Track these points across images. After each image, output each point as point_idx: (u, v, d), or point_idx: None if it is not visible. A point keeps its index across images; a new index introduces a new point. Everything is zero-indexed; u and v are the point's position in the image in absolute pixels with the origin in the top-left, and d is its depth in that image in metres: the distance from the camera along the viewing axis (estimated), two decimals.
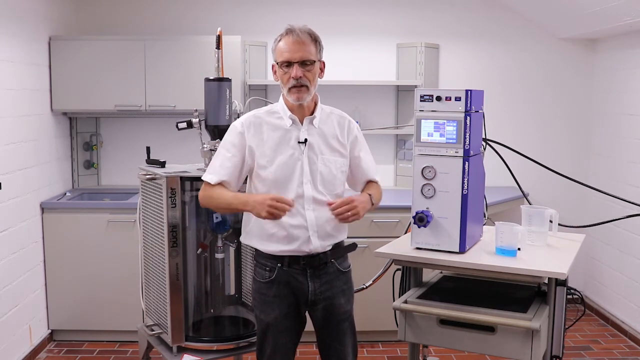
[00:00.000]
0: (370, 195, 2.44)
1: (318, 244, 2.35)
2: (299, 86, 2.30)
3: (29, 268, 3.84)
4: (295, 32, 2.30)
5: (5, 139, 3.55)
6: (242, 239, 2.49)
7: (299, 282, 2.37)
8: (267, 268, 2.39)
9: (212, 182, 2.37)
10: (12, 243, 3.62)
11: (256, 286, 2.44)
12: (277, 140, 2.35)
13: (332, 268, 2.42)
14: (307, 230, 2.33)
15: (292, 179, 2.33)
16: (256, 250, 2.44)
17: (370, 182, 2.54)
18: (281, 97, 2.42)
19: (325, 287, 2.40)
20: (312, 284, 2.38)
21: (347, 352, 2.47)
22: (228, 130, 2.43)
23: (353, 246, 2.52)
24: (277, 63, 2.34)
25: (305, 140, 2.36)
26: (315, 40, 2.35)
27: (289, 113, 2.38)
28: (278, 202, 2.21)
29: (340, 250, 2.46)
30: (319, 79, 2.39)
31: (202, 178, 2.42)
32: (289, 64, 2.30)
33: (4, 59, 3.56)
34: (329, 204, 2.30)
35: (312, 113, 2.40)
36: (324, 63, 2.41)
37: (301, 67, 2.29)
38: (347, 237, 2.50)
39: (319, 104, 2.44)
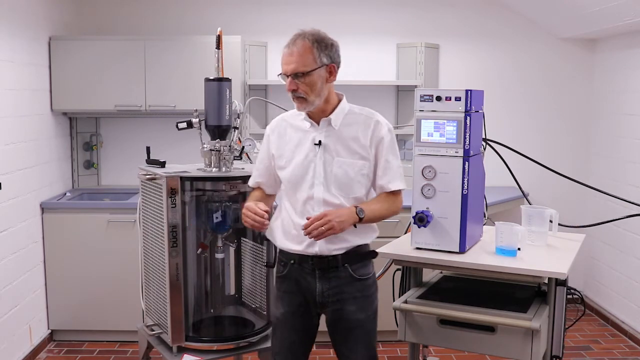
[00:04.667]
0: (360, 207, 2.25)
1: (324, 247, 2.31)
2: (297, 97, 2.27)
3: (29, 268, 3.84)
4: (292, 42, 2.26)
5: (5, 139, 3.55)
6: (266, 232, 2.43)
7: (307, 282, 2.37)
8: (282, 263, 2.42)
9: (250, 185, 2.53)
10: (12, 243, 3.62)
11: (275, 280, 2.50)
12: (296, 142, 2.37)
13: (344, 273, 2.35)
14: None
15: (305, 179, 2.32)
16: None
17: (385, 194, 2.36)
18: None
19: (335, 291, 2.35)
20: (320, 285, 2.35)
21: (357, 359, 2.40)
22: None
23: (371, 254, 2.42)
24: None
25: (320, 142, 2.32)
26: (317, 45, 2.24)
27: (305, 115, 2.35)
28: (248, 210, 2.27)
29: (355, 256, 2.37)
30: (327, 84, 2.29)
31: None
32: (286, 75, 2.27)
33: (4, 59, 3.56)
34: (303, 228, 2.21)
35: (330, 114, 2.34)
36: (333, 66, 2.29)
37: (295, 80, 2.23)
38: None
39: (342, 104, 2.37)
